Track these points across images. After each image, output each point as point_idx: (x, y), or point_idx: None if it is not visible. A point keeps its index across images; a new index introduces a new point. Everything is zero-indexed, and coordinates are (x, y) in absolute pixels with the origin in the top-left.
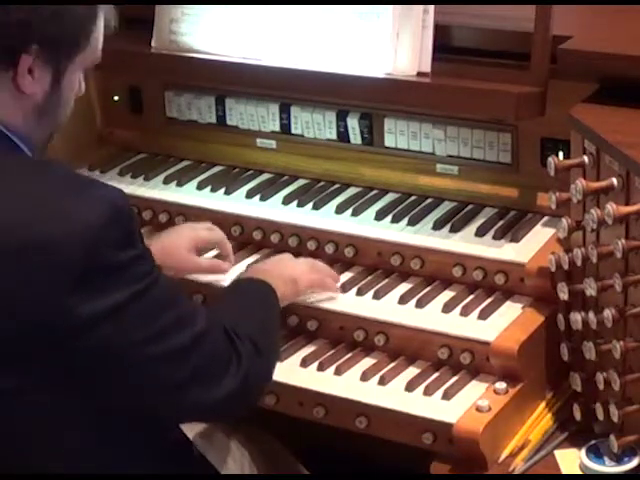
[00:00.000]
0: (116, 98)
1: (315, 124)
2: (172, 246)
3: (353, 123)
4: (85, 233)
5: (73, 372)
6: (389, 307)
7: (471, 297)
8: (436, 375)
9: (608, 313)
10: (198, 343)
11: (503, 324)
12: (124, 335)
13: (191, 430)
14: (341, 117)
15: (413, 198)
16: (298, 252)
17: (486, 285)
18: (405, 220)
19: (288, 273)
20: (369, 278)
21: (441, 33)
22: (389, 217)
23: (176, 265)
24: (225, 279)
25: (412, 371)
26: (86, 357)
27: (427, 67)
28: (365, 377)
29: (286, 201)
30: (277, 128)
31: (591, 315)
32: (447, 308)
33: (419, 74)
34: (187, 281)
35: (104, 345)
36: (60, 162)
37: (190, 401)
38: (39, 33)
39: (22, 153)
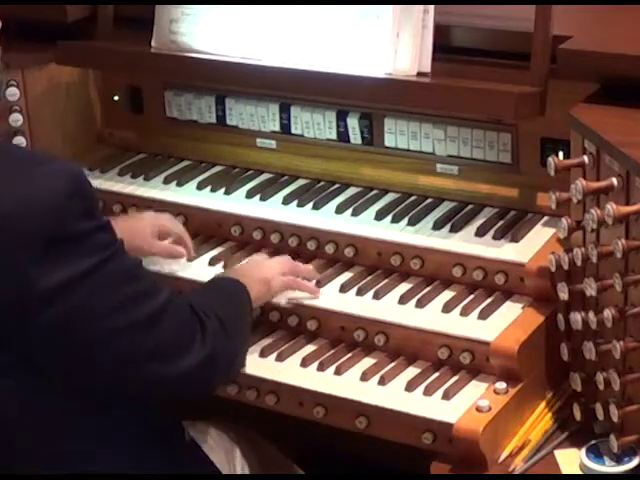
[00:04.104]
0: (116, 98)
1: (315, 124)
2: (136, 228)
3: (353, 123)
4: (47, 204)
5: (39, 347)
6: (389, 307)
7: (471, 297)
8: (436, 375)
9: (608, 313)
10: (162, 315)
11: (503, 324)
12: (88, 305)
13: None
14: (341, 117)
15: (413, 198)
16: (298, 252)
17: (486, 285)
18: (405, 220)
19: (261, 274)
20: (369, 278)
21: (441, 33)
22: (389, 217)
23: (138, 246)
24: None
25: (412, 371)
26: (51, 330)
27: (427, 67)
28: (365, 377)
29: (286, 201)
30: (277, 128)
31: (591, 315)
32: (447, 308)
33: (419, 74)
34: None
35: (69, 316)
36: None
37: (155, 373)
38: None
39: None
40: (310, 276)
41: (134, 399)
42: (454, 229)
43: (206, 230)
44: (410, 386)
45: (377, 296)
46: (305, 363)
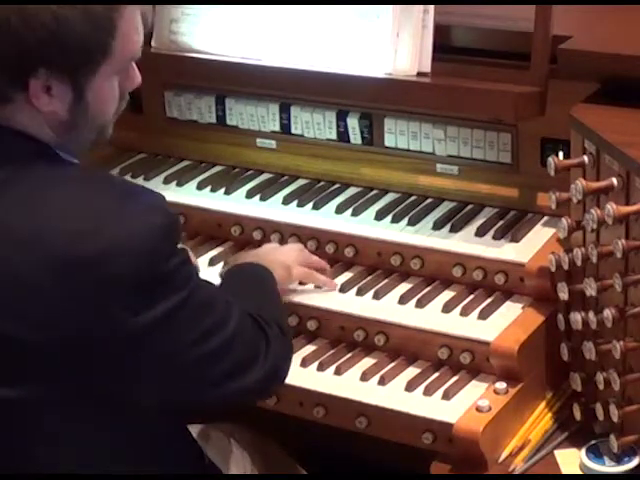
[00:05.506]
0: None
1: (315, 124)
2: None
3: (353, 123)
4: (137, 246)
5: (116, 380)
6: (389, 307)
7: (471, 297)
8: (436, 375)
9: (608, 313)
10: (236, 336)
11: (503, 324)
12: (173, 341)
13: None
14: (341, 117)
15: (413, 198)
16: None
17: (486, 285)
18: (405, 220)
19: (282, 259)
20: (369, 278)
21: (441, 33)
22: (389, 217)
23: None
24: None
25: (412, 371)
26: (136, 365)
27: (427, 67)
28: (365, 377)
29: (286, 201)
30: (277, 128)
31: (591, 315)
32: (447, 308)
33: (419, 74)
34: None
35: (154, 353)
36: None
37: (233, 389)
38: (41, 58)
39: (65, 162)
40: (321, 267)
41: (198, 413)
42: (454, 229)
43: (206, 230)
44: (410, 386)
45: (377, 296)
46: (305, 363)
